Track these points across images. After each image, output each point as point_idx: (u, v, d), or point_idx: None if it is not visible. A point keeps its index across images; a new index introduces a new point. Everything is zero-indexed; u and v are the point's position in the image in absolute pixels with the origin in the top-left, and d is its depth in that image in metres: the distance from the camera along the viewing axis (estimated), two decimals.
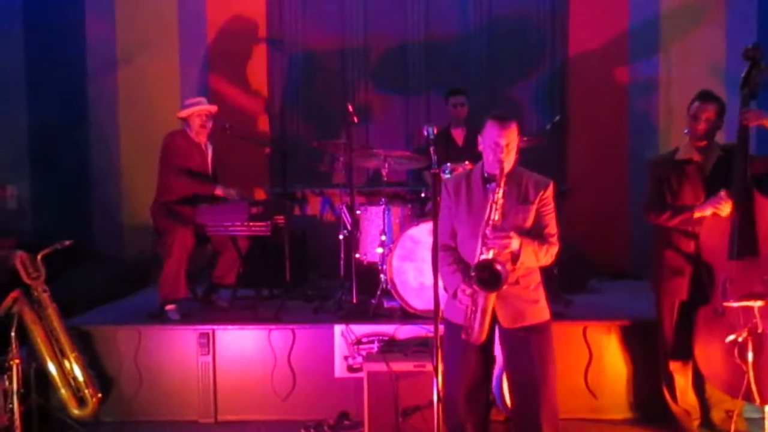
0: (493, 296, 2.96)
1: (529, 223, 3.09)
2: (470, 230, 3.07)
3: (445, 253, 3.17)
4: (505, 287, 2.88)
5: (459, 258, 3.16)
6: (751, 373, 3.34)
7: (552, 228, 3.12)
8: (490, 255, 2.89)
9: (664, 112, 6.12)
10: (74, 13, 6.30)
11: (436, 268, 2.95)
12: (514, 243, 2.94)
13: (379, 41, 6.43)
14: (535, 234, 3.07)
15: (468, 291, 2.97)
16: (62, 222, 6.02)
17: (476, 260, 2.93)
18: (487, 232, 2.91)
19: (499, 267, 2.84)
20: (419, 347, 3.98)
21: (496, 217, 2.93)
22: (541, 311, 3.14)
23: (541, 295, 3.17)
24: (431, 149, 2.94)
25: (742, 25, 5.89)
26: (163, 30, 6.33)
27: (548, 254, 3.08)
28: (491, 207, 2.93)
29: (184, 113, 4.82)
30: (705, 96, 3.69)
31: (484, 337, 3.00)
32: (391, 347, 4.07)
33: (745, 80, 3.58)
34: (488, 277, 2.86)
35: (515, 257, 2.99)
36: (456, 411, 3.16)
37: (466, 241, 3.11)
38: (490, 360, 3.21)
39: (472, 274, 2.90)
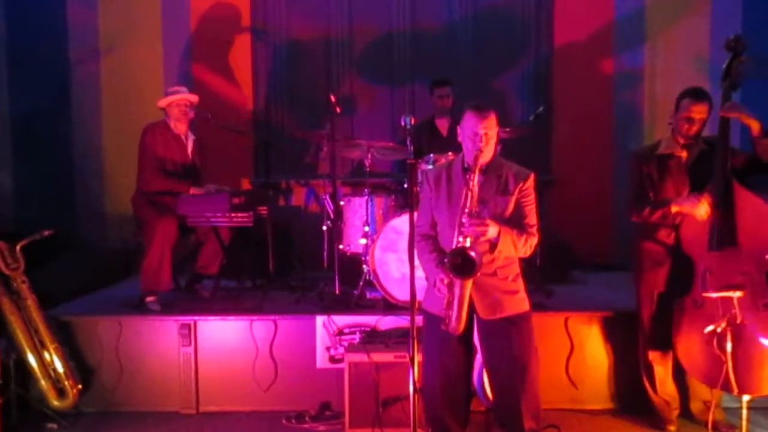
0: (469, 285, 2.95)
1: (508, 213, 3.08)
2: (449, 220, 3.07)
3: (426, 242, 3.18)
4: (480, 276, 2.87)
5: (439, 247, 3.16)
6: (730, 364, 3.35)
7: (532, 219, 3.12)
8: (468, 243, 2.89)
9: (648, 103, 6.13)
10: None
11: (413, 258, 2.95)
12: (491, 230, 2.94)
13: (364, 31, 6.38)
14: (515, 224, 3.07)
15: (446, 280, 2.97)
16: (45, 210, 5.99)
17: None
18: (464, 219, 2.91)
19: (472, 253, 2.84)
20: (400, 338, 3.98)
21: (472, 205, 2.92)
22: (520, 302, 3.14)
23: (521, 286, 3.17)
24: (408, 139, 2.94)
25: (727, 16, 5.88)
26: (146, 18, 6.26)
27: (527, 245, 3.07)
28: (467, 195, 2.93)
29: (163, 102, 4.76)
30: (698, 94, 3.59)
31: (462, 326, 2.99)
32: (372, 338, 4.07)
33: (726, 71, 3.56)
34: (461, 263, 2.86)
35: (493, 246, 2.98)
36: (435, 402, 3.17)
37: (446, 231, 3.11)
38: (470, 351, 3.22)
39: (446, 260, 2.91)
